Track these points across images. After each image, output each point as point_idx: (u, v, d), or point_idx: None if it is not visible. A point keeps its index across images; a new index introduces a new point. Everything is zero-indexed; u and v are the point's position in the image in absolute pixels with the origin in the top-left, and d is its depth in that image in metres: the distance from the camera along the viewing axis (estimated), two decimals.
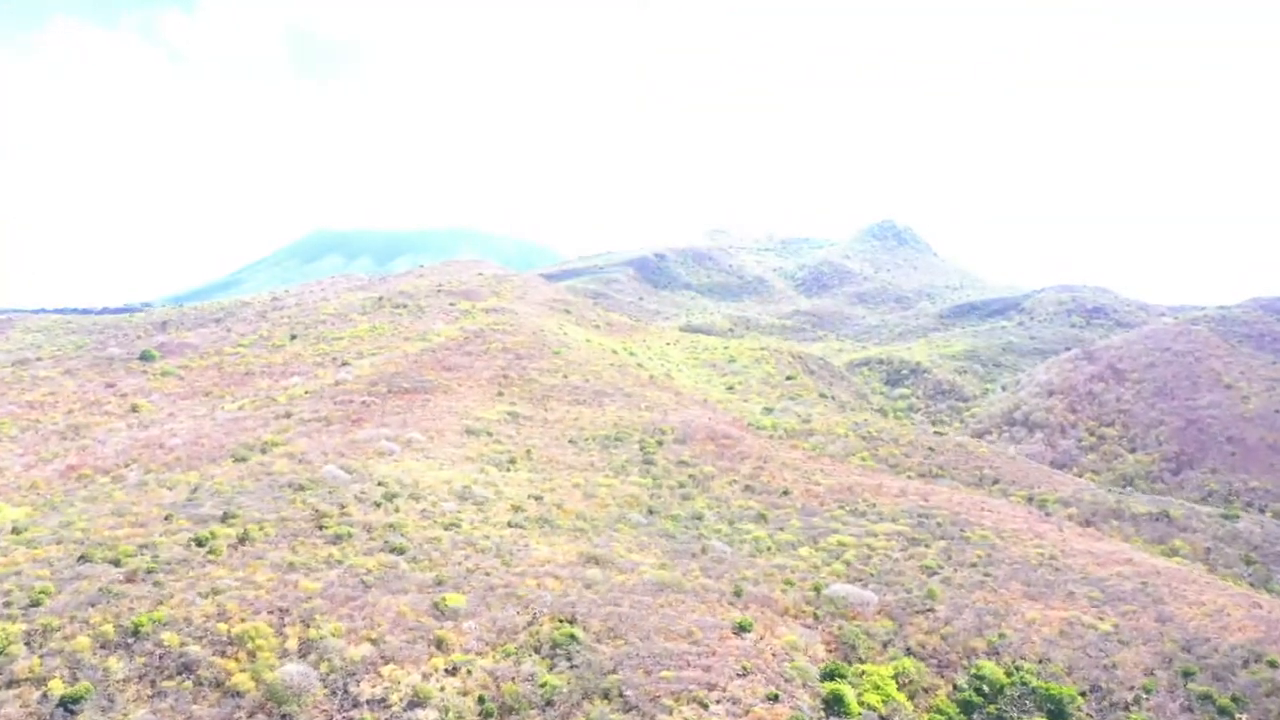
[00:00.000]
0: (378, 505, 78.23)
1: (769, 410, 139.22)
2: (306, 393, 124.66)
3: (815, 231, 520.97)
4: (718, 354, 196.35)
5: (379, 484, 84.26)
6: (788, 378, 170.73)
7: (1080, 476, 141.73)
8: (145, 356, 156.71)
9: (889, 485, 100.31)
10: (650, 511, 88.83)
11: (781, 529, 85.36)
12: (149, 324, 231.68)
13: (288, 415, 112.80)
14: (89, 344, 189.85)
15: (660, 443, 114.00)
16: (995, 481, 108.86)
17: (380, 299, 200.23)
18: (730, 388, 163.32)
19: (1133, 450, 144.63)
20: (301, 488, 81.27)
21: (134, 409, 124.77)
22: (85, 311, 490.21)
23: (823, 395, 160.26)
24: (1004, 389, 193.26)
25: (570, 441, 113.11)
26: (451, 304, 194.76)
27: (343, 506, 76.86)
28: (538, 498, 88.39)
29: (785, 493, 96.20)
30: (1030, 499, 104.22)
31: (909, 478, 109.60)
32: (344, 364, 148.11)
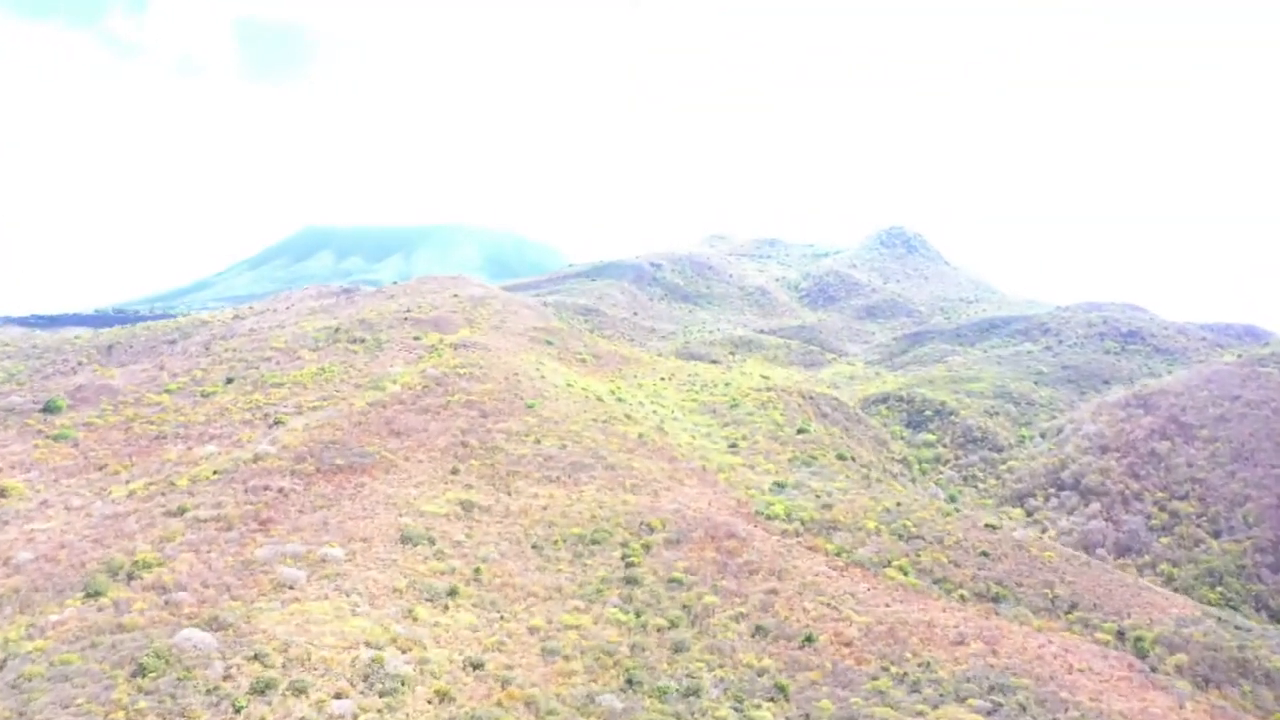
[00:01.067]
0: (238, 711, 55.02)
1: (780, 486, 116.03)
2: (216, 473, 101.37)
3: (820, 237, 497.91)
4: (718, 393, 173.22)
5: (254, 656, 61.16)
6: (799, 431, 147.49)
7: (1157, 568, 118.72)
8: (49, 408, 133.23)
9: (942, 622, 77.22)
10: (630, 682, 65.73)
11: (807, 716, 62.39)
12: (93, 348, 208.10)
13: (181, 512, 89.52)
14: (21, 371, 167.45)
15: (648, 546, 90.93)
16: (1073, 606, 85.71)
17: (336, 330, 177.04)
18: (733, 444, 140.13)
19: (1216, 534, 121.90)
20: (142, 670, 58.18)
21: (0, 493, 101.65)
22: (48, 321, 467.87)
23: (841, 457, 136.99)
24: (1043, 436, 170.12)
25: (535, 547, 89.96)
26: (416, 338, 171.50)
27: (184, 717, 53.77)
28: (478, 666, 65.36)
29: (808, 639, 73.09)
30: (1121, 634, 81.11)
31: (963, 598, 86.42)
32: (276, 423, 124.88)
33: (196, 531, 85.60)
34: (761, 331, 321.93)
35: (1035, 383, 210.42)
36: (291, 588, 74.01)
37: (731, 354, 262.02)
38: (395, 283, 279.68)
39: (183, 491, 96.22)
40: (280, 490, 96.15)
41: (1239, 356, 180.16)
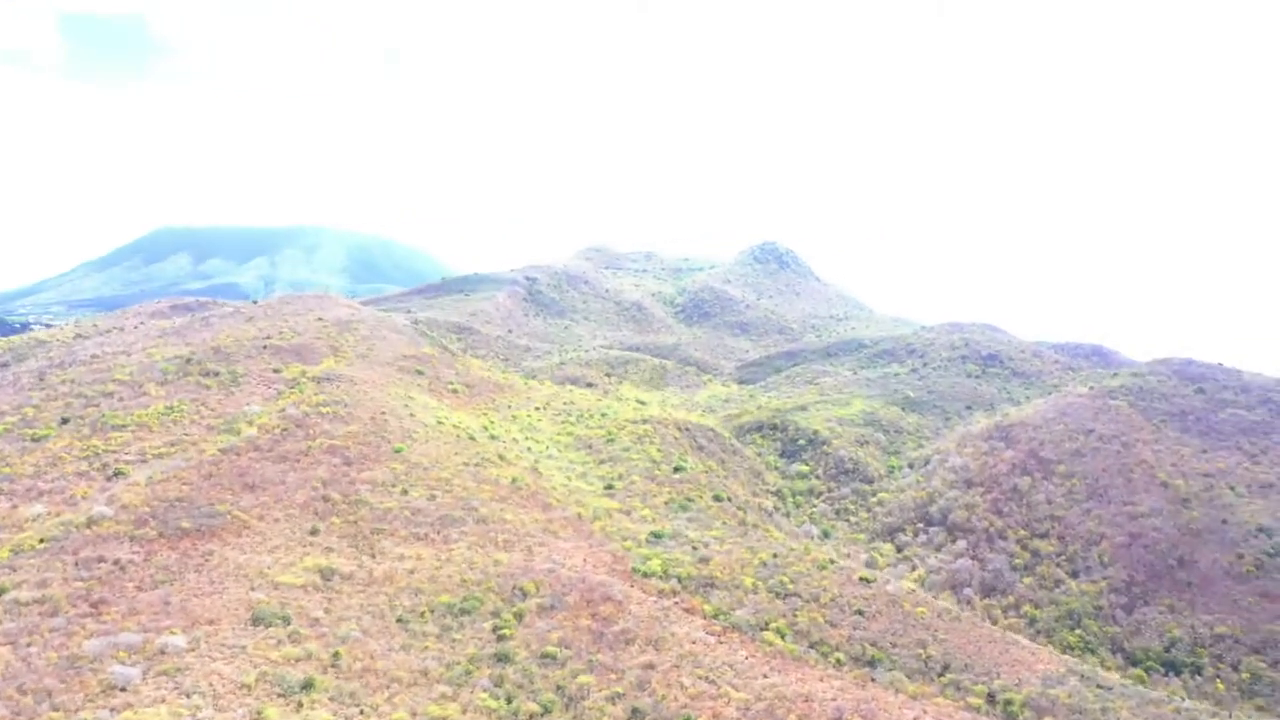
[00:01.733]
0: None
1: (657, 537, 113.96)
2: (43, 541, 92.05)
3: (695, 251, 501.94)
4: (594, 425, 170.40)
5: None
6: (676, 469, 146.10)
7: (1020, 609, 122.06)
8: None
9: (820, 695, 76.25)
10: None
11: None
12: None
13: None
14: None
15: (520, 615, 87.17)
16: (945, 668, 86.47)
17: (188, 360, 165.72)
18: (609, 486, 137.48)
19: (1074, 574, 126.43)
20: None
21: None
22: None
23: (718, 498, 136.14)
24: (911, 467, 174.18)
25: (400, 620, 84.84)
26: (276, 370, 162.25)
27: None
28: None
29: None
30: (992, 697, 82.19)
31: (839, 662, 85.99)
32: (116, 474, 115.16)
33: (16, 618, 77.03)
34: (637, 349, 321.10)
35: (903, 408, 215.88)
36: (124, 689, 67.03)
37: (608, 375, 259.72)
38: (255, 301, 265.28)
39: (3, 566, 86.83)
40: (117, 563, 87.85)
41: (1090, 388, 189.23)
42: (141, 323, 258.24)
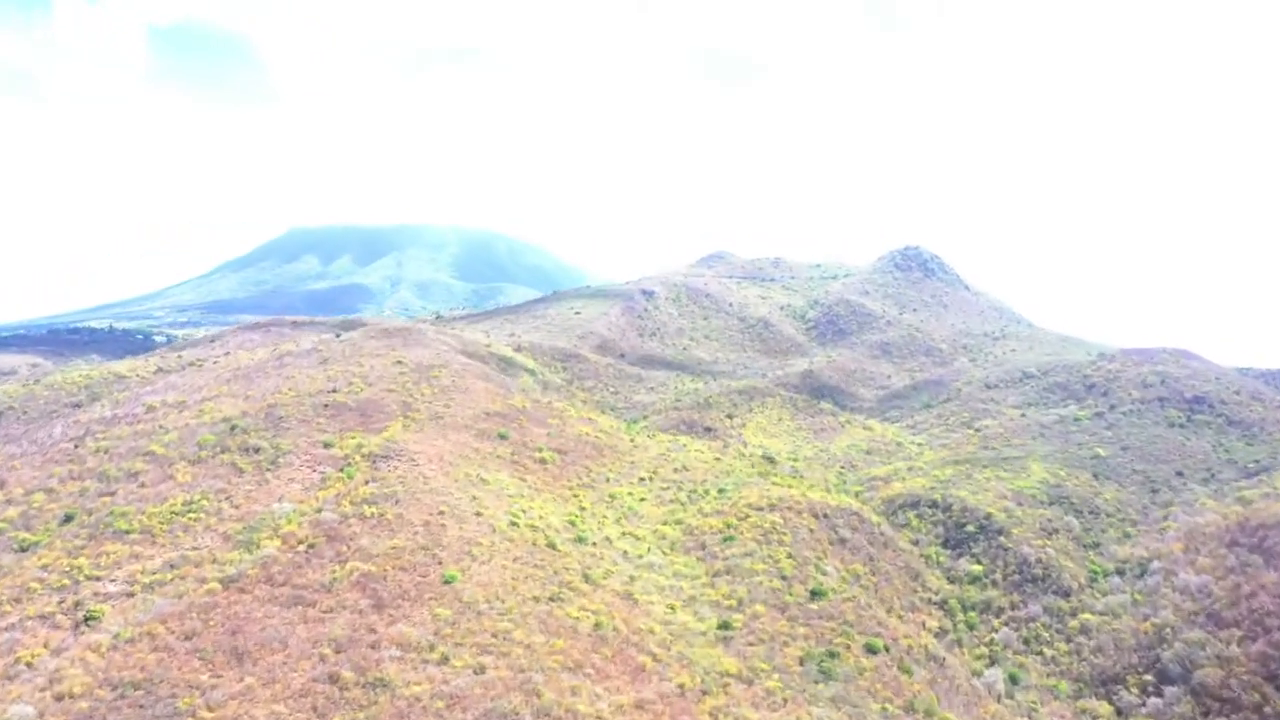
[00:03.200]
0: None
1: None
2: None
3: (827, 255, 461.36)
4: (709, 512, 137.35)
5: None
6: (812, 594, 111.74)
7: None
8: None
9: None
10: None
11: None
12: None
13: None
14: None
15: None
16: None
17: (234, 426, 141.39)
18: (725, 625, 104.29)
19: None
20: None
21: None
22: None
23: (871, 649, 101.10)
24: (1120, 574, 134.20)
25: None
26: (328, 445, 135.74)
27: None
28: None
29: None
30: None
31: None
32: (87, 618, 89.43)
33: None
34: (764, 376, 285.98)
35: (1094, 475, 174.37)
36: None
37: (730, 417, 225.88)
38: (385, 312, 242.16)
39: None
40: None
41: None
42: (227, 353, 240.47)
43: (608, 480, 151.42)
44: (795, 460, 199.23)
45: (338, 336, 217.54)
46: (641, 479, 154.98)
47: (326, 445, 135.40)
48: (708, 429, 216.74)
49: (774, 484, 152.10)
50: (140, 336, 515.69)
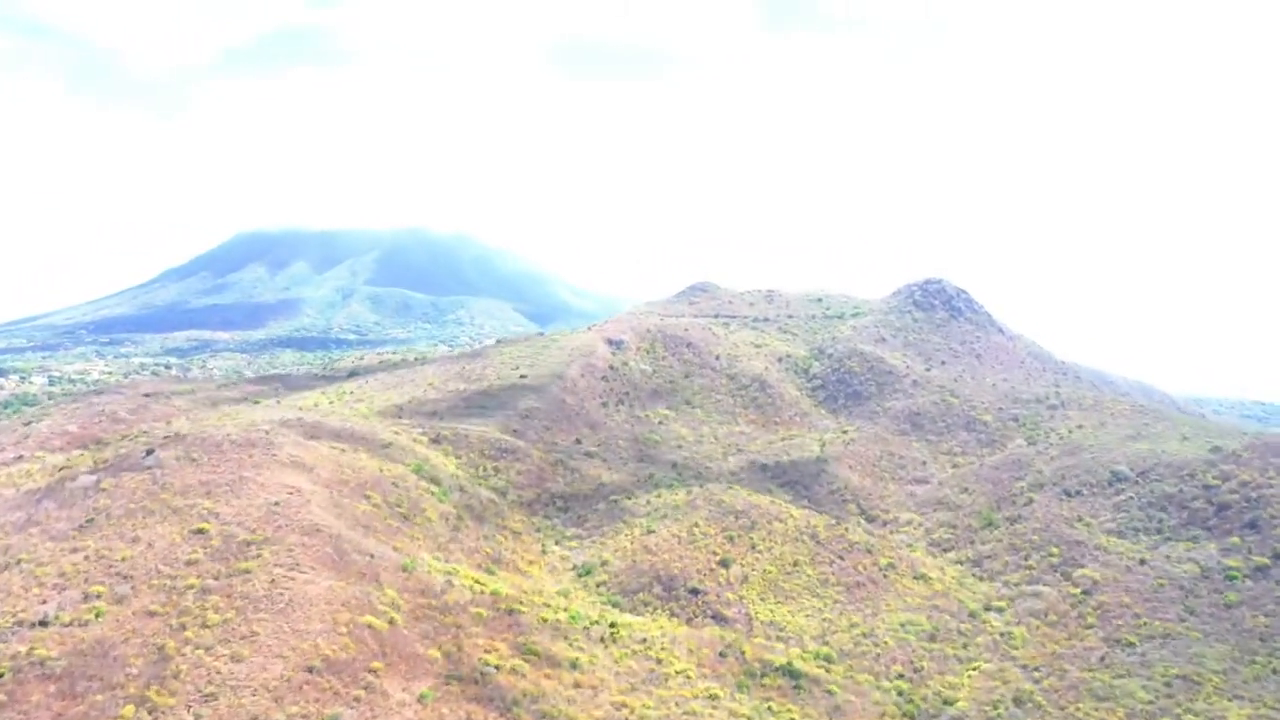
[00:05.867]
0: None
1: None
2: None
3: (830, 286, 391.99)
4: None
5: None
6: None
7: None
8: None
9: None
10: None
11: None
12: None
13: None
14: None
15: None
16: None
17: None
18: None
19: None
20: None
21: None
22: None
23: None
24: None
25: None
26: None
27: None
28: None
29: None
30: None
31: None
32: None
33: None
34: (764, 470, 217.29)
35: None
36: None
37: (724, 563, 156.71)
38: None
39: None
40: None
41: None
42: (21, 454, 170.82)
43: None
44: (828, 659, 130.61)
45: (146, 455, 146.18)
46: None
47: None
48: (693, 591, 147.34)
49: None
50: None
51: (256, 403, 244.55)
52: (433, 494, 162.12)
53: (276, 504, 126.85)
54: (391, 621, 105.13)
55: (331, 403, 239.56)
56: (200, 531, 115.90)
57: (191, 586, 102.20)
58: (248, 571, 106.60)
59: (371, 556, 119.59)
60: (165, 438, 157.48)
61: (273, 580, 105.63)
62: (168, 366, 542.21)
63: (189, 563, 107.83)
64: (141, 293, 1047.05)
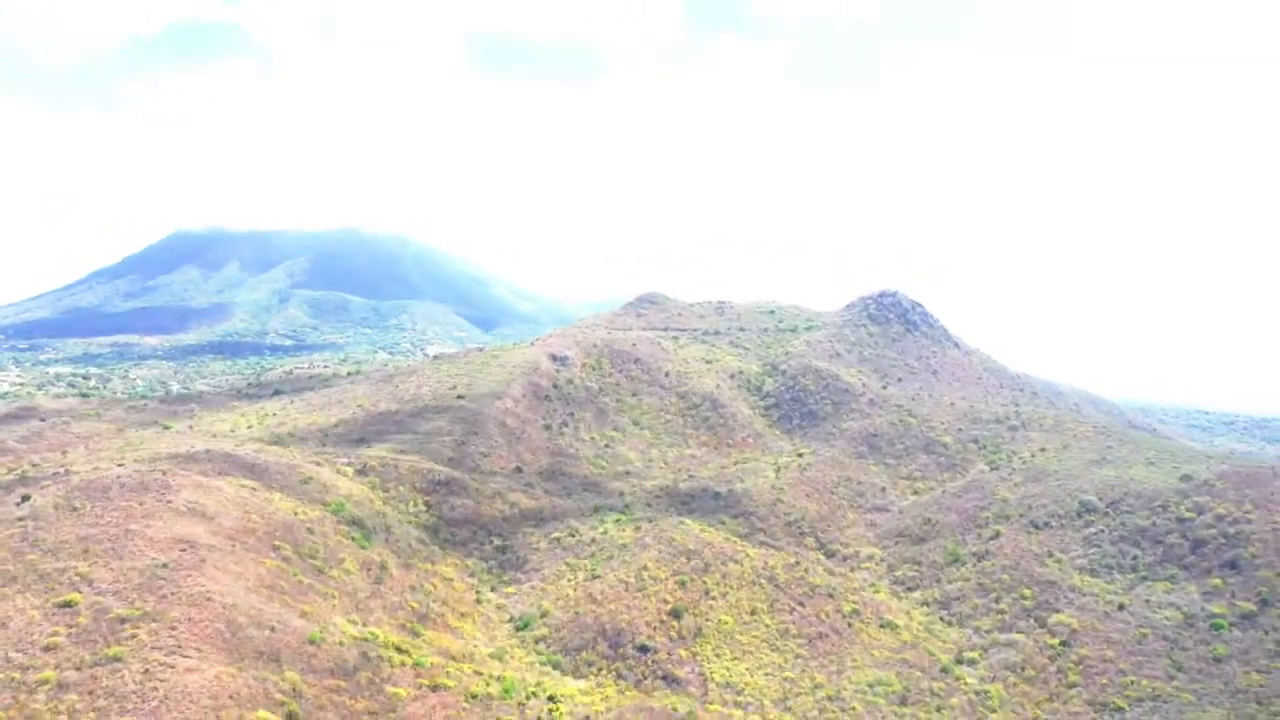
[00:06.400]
0: None
1: None
2: None
3: (782, 297, 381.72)
4: None
5: None
6: None
7: None
8: None
9: None
10: None
11: None
12: None
13: None
14: None
15: None
16: None
17: None
18: None
19: None
20: None
21: None
22: None
23: None
24: None
25: None
26: None
27: None
28: None
29: None
30: None
31: None
32: None
33: None
34: (716, 499, 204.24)
35: None
36: None
37: (677, 614, 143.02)
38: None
39: None
40: None
41: None
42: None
43: None
44: None
45: (21, 502, 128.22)
46: None
47: None
48: (641, 649, 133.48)
49: None
50: None
51: (166, 428, 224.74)
52: (354, 540, 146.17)
53: (164, 566, 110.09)
54: (290, 716, 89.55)
55: (250, 426, 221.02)
56: (67, 605, 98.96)
57: (45, 682, 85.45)
58: (117, 660, 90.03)
59: (272, 630, 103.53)
60: (47, 480, 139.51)
61: (146, 670, 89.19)
62: (86, 376, 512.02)
63: (47, 648, 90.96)
64: (65, 295, 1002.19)
